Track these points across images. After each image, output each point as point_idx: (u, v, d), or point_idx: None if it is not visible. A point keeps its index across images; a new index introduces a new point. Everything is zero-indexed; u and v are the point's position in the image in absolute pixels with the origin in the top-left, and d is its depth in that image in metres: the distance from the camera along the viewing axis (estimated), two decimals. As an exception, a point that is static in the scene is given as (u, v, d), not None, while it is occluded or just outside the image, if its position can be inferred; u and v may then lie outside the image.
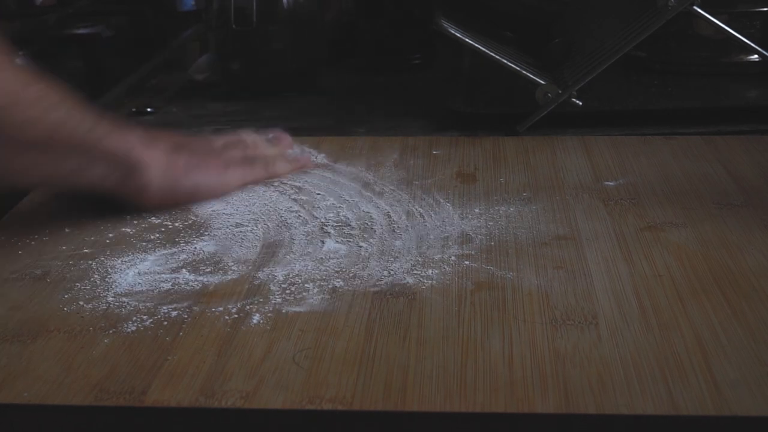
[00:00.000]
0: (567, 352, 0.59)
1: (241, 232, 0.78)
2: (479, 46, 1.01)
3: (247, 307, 0.66)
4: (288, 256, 0.73)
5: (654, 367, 0.57)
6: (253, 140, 0.90)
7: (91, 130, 0.76)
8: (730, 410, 0.53)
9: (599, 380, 0.56)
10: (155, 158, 0.79)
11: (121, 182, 0.78)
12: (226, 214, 0.81)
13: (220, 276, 0.70)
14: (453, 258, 0.72)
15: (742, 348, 0.59)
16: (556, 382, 0.56)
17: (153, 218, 0.80)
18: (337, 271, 0.70)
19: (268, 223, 0.79)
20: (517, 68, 1.01)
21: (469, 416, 0.54)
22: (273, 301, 0.66)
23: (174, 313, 0.65)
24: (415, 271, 0.70)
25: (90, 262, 0.73)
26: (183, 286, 0.69)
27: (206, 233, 0.78)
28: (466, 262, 0.71)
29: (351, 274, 0.70)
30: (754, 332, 0.61)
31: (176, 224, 0.79)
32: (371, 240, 0.75)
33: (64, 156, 0.75)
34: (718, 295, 0.65)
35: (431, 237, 0.76)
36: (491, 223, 0.78)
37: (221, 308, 0.66)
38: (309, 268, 0.71)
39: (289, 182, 0.88)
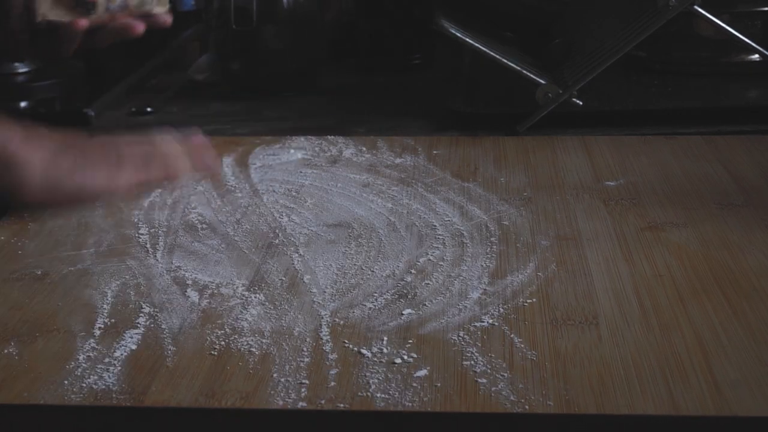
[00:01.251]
0: (567, 352, 0.59)
1: (243, 231, 0.78)
2: (479, 46, 1.01)
3: (248, 305, 0.66)
4: (286, 256, 0.73)
5: (654, 367, 0.57)
6: (160, 139, 0.79)
7: None
8: (730, 410, 0.53)
9: (599, 380, 0.56)
10: (35, 156, 0.73)
11: None
12: (227, 212, 0.81)
13: (220, 277, 0.70)
14: (453, 258, 0.72)
15: (743, 348, 0.59)
16: (556, 383, 0.55)
17: (154, 219, 0.80)
18: (338, 269, 0.70)
19: (265, 225, 0.79)
20: (518, 68, 1.01)
21: (469, 416, 0.54)
22: (273, 300, 0.66)
23: (175, 313, 0.65)
24: (414, 272, 0.70)
25: (90, 262, 0.73)
26: (183, 285, 0.69)
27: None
28: (467, 262, 0.71)
29: (351, 274, 0.70)
30: (755, 332, 0.60)
31: (175, 223, 0.80)
32: (371, 240, 0.75)
33: None
34: (719, 295, 0.65)
35: (431, 237, 0.75)
36: (491, 223, 0.78)
37: (221, 308, 0.66)
38: (309, 265, 0.71)
39: (288, 183, 0.88)
